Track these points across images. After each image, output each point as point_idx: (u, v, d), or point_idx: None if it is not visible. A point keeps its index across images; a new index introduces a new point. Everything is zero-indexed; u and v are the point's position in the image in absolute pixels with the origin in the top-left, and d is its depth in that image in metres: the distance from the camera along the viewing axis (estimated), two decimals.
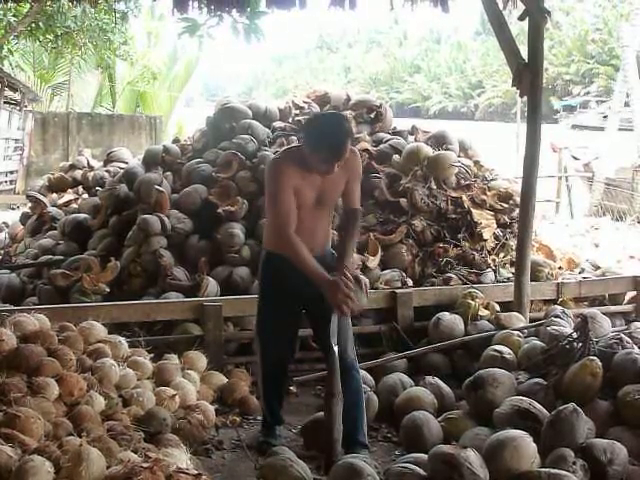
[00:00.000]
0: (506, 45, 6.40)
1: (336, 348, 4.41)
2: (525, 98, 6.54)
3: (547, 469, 3.96)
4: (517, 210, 7.33)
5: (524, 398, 4.71)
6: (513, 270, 6.93)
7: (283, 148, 4.86)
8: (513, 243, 7.42)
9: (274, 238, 4.65)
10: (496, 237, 7.66)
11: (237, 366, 6.17)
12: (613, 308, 7.24)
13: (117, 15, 16.03)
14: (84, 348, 5.09)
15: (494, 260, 7.47)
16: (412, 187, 7.59)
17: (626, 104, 19.91)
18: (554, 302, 6.99)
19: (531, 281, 6.67)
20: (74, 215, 8.54)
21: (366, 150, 8.03)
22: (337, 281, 4.33)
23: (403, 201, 7.57)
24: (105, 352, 5.10)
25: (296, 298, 4.69)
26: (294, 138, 8.16)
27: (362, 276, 4.60)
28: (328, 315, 4.44)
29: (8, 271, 7.92)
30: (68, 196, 10.01)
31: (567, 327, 5.67)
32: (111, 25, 17.17)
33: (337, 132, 4.36)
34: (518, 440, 4.11)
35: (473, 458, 3.93)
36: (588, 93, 51.68)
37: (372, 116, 8.77)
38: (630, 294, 7.43)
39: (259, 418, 5.29)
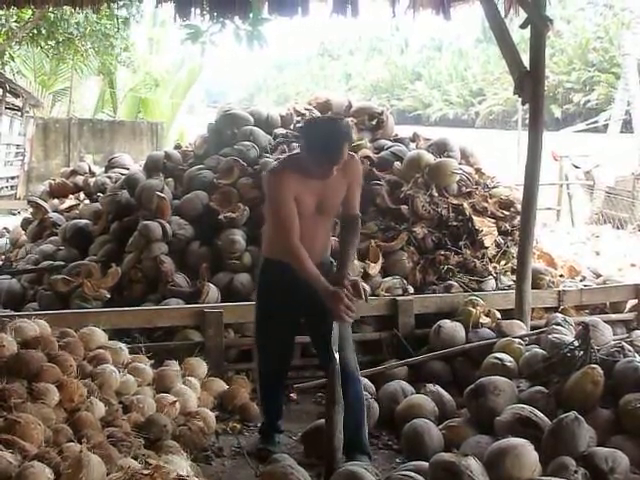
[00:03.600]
0: (508, 53, 6.41)
1: (337, 355, 4.41)
2: (526, 106, 6.56)
3: (548, 477, 3.95)
4: (518, 218, 7.33)
5: (525, 406, 4.70)
6: (514, 278, 6.92)
7: (282, 156, 4.86)
8: (514, 251, 7.41)
9: (275, 246, 4.66)
10: (497, 244, 7.65)
11: (238, 373, 6.17)
12: (614, 316, 7.23)
13: (119, 20, 16.05)
14: (84, 354, 5.10)
15: (495, 267, 7.47)
16: (413, 194, 7.58)
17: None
18: (555, 310, 6.98)
19: (532, 289, 6.66)
20: (75, 221, 8.53)
21: (367, 157, 8.02)
22: (339, 292, 4.34)
23: (404, 208, 7.56)
24: (105, 358, 5.11)
25: (295, 306, 4.69)
26: (296, 145, 8.17)
27: (362, 283, 4.58)
28: (329, 322, 4.43)
29: (9, 276, 7.92)
30: (69, 202, 9.99)
31: (568, 335, 5.67)
32: (113, 30, 17.19)
33: (334, 135, 4.34)
34: (519, 448, 4.10)
35: (474, 466, 3.92)
36: (589, 101, 51.70)
37: (373, 123, 8.76)
38: (631, 302, 7.42)
39: (259, 425, 5.28)
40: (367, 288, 4.64)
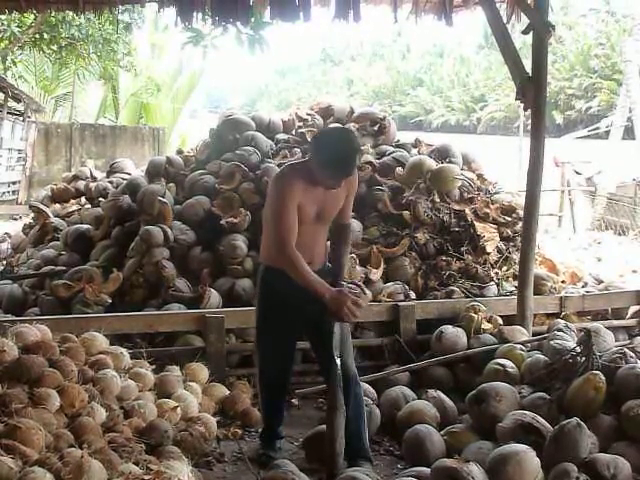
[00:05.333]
0: (510, 59, 6.41)
1: (338, 361, 4.41)
2: (528, 112, 6.56)
3: None
4: (520, 224, 7.32)
5: (527, 412, 4.69)
6: (516, 284, 6.92)
7: (288, 162, 4.88)
8: (516, 256, 7.41)
9: (273, 252, 4.64)
10: (499, 250, 7.65)
11: (239, 378, 6.17)
12: (616, 322, 7.22)
13: (121, 26, 16.07)
14: (86, 359, 5.09)
15: (497, 273, 7.46)
16: (415, 200, 7.58)
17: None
18: (557, 316, 6.98)
19: (534, 295, 6.66)
20: (77, 226, 8.54)
21: (369, 163, 8.03)
22: (343, 291, 4.36)
23: (406, 214, 7.56)
24: (107, 363, 5.10)
25: (296, 313, 4.68)
26: (297, 150, 8.17)
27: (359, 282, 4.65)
28: (329, 328, 4.44)
29: (10, 281, 7.92)
30: (71, 207, 10.01)
31: (570, 341, 5.65)
32: (115, 36, 17.22)
33: (347, 149, 4.38)
34: (521, 454, 4.09)
35: (476, 472, 3.92)
36: (590, 108, 51.74)
37: (376, 129, 8.77)
38: (633, 308, 7.40)
39: (260, 430, 5.27)
40: (368, 293, 4.65)
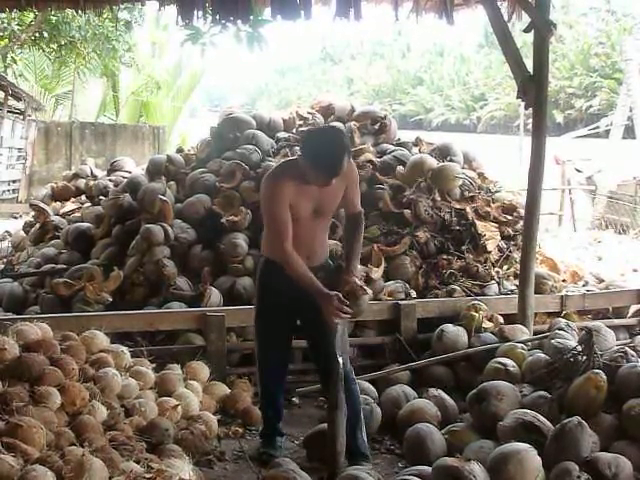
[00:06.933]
0: (511, 57, 6.39)
1: (340, 359, 4.41)
2: (529, 111, 6.55)
3: None
4: (521, 222, 7.31)
5: (528, 411, 4.69)
6: (517, 282, 6.91)
7: (279, 161, 4.88)
8: (517, 255, 7.41)
9: (272, 247, 4.69)
10: (500, 249, 7.64)
11: (240, 377, 6.16)
12: (617, 321, 7.21)
13: (121, 23, 16.07)
14: (86, 358, 5.08)
15: (498, 272, 7.46)
16: (416, 198, 7.58)
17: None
18: (558, 315, 6.97)
19: (535, 293, 6.65)
20: (77, 224, 8.54)
21: (370, 161, 8.03)
22: (332, 296, 4.38)
23: (407, 212, 7.56)
24: (107, 362, 5.10)
25: (293, 304, 4.71)
26: (298, 149, 8.15)
27: (364, 285, 4.60)
28: (326, 323, 4.46)
29: (11, 280, 7.91)
30: (71, 205, 10.00)
31: (571, 340, 5.65)
32: (115, 33, 17.21)
33: (335, 149, 4.35)
34: (522, 453, 4.09)
35: (477, 471, 3.91)
36: (590, 107, 51.71)
37: (376, 127, 8.76)
38: (634, 307, 7.40)
39: (260, 429, 5.27)
40: (369, 292, 4.62)
